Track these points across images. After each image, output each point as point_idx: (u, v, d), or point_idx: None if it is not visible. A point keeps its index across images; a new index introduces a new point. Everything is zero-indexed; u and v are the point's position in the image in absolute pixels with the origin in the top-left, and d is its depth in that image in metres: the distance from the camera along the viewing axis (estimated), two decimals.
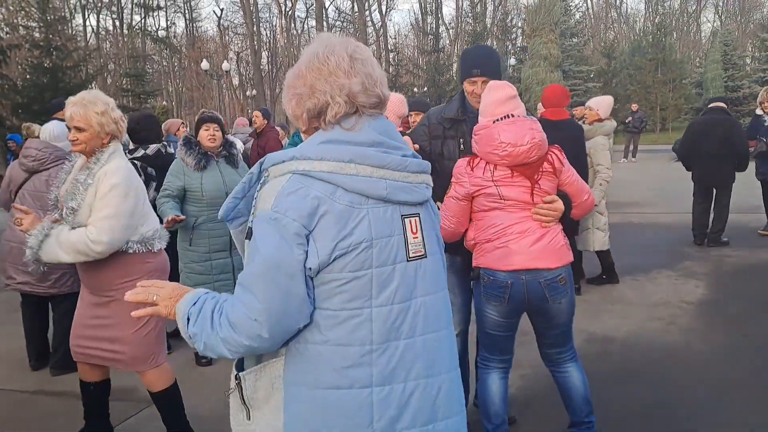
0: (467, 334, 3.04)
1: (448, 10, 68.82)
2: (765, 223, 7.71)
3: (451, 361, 1.48)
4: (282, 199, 1.29)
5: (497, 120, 2.55)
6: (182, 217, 3.81)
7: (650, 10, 49.03)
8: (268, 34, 51.74)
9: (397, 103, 4.10)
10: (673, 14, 47.05)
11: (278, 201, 1.29)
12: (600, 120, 5.73)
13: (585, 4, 51.33)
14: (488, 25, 41.80)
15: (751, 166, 7.25)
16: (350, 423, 1.34)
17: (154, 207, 3.49)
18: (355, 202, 1.31)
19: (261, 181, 1.37)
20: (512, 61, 34.54)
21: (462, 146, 2.83)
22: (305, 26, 51.13)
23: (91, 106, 2.62)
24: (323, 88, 1.35)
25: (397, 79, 35.12)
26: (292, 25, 50.07)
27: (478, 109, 2.71)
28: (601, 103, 5.89)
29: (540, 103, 5.21)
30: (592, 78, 29.08)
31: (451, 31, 48.78)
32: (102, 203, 2.58)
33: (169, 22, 52.12)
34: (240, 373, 1.45)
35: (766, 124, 7.43)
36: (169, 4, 48.80)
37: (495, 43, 42.12)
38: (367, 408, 1.34)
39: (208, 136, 3.99)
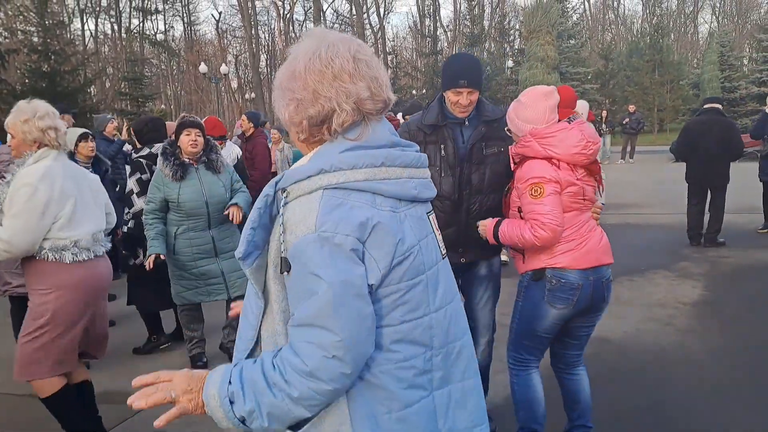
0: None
1: (446, 12, 69.01)
2: (762, 223, 7.73)
3: (476, 366, 1.44)
4: (326, 217, 1.15)
5: (569, 120, 2.58)
6: (162, 256, 3.85)
7: (647, 11, 49.12)
8: (267, 37, 51.84)
9: None
10: (670, 15, 47.12)
11: (322, 220, 1.15)
12: None
13: (582, 6, 51.43)
14: (486, 27, 41.86)
15: (754, 166, 7.25)
16: None
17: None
18: (394, 206, 1.23)
19: (282, 203, 1.21)
20: (510, 63, 34.58)
21: (443, 152, 2.81)
22: (304, 29, 51.23)
23: (19, 114, 2.77)
24: (328, 93, 1.21)
25: (396, 81, 35.17)
26: (291, 27, 50.14)
27: (459, 117, 2.81)
28: (579, 107, 5.93)
29: None
30: (589, 80, 29.12)
31: (449, 33, 48.86)
32: (10, 202, 2.66)
33: (167, 26, 52.31)
34: None
35: None
36: (167, 7, 48.87)
37: (493, 45, 42.19)
38: (432, 414, 1.29)
39: (189, 141, 3.91)
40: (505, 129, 2.72)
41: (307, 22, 48.07)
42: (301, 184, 1.20)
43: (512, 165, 2.73)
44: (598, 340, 4.36)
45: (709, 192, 7.33)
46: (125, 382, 3.71)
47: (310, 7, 44.44)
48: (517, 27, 40.04)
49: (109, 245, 3.07)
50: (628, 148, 19.60)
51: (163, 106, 41.08)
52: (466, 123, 2.85)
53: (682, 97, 29.80)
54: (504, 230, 2.60)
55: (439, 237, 1.38)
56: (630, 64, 32.84)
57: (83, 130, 5.36)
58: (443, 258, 1.36)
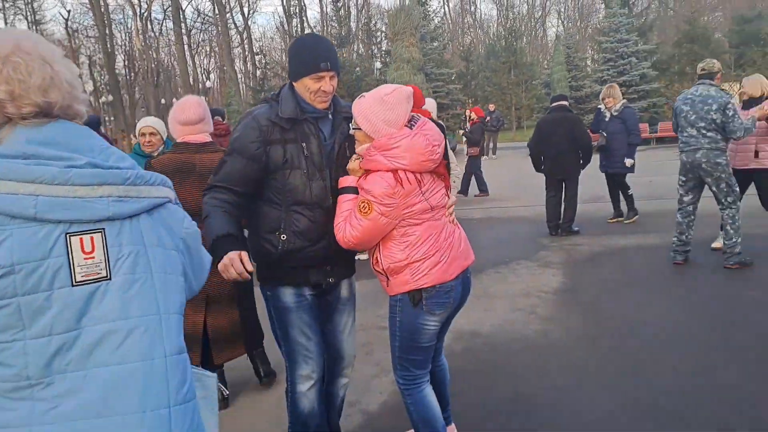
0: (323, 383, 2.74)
1: (313, 13, 68.71)
2: (612, 213, 8.39)
3: (158, 397, 1.27)
4: None
5: (411, 124, 2.39)
6: None
7: (501, 15, 52.16)
8: (123, 37, 48.68)
9: (177, 109, 3.37)
10: (521, 20, 50.31)
11: None
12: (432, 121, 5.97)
13: (443, 10, 53.55)
14: (353, 29, 42.26)
15: (596, 158, 7.86)
16: None
17: None
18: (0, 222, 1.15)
19: None
20: (378, 64, 35.19)
21: (306, 151, 2.43)
22: (163, 28, 48.73)
23: None
24: None
25: (265, 82, 34.44)
26: (149, 27, 47.42)
27: (320, 109, 2.49)
28: (428, 106, 6.10)
29: None
30: (453, 80, 30.33)
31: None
32: None
33: (8, 25, 47.22)
34: None
35: (606, 119, 8.09)
36: (7, 5, 44.26)
37: (361, 47, 42.68)
38: None
39: None
40: (351, 128, 2.47)
41: (167, 21, 45.79)
42: None
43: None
44: (468, 335, 4.45)
45: (564, 184, 7.84)
46: None
47: (169, 6, 42.24)
48: (383, 29, 40.84)
49: None
50: (491, 145, 20.66)
51: None
52: (330, 116, 2.53)
53: (536, 96, 31.90)
54: (341, 203, 2.44)
55: (88, 261, 1.22)
56: (488, 65, 34.67)
57: None
58: (74, 285, 1.21)
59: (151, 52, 44.99)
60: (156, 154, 4.57)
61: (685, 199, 5.81)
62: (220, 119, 7.51)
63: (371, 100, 2.39)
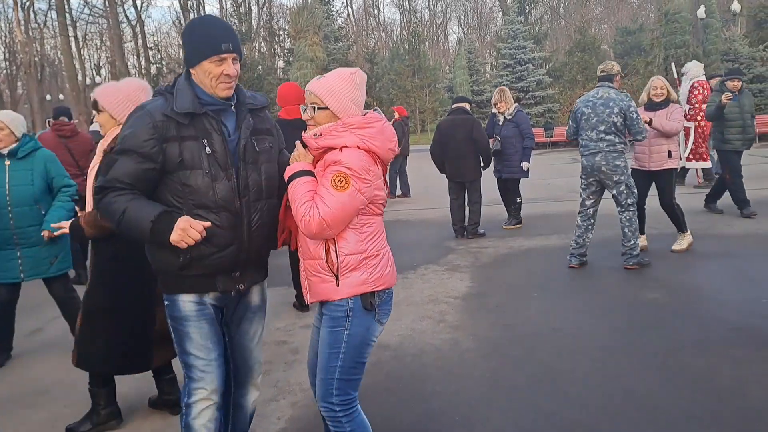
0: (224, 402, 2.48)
1: (211, 9, 66.45)
2: (507, 218, 8.39)
3: None
4: None
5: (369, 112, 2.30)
6: None
7: (404, 19, 52.83)
8: (3, 28, 44.68)
9: (130, 90, 3.01)
10: (424, 24, 51.19)
11: None
12: None
13: (346, 11, 53.41)
14: (254, 26, 41.12)
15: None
16: None
17: None
18: None
19: None
20: (281, 63, 34.44)
21: (208, 148, 2.17)
22: (48, 19, 45.11)
23: None
24: None
25: (160, 78, 32.77)
26: (32, 17, 43.72)
27: (222, 98, 2.21)
28: None
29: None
30: None
31: None
32: None
33: None
34: None
35: (500, 123, 8.11)
36: None
37: (263, 45, 41.62)
38: None
39: None
40: (307, 110, 2.26)
41: (51, 11, 42.42)
42: None
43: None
44: (377, 347, 4.16)
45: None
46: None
47: None
48: (286, 27, 40.07)
49: None
50: None
51: None
52: (233, 108, 2.28)
53: (439, 99, 32.48)
54: (297, 187, 2.18)
55: None
56: (393, 68, 34.87)
57: None
58: None
59: (35, 44, 41.44)
60: (6, 152, 4.02)
61: (587, 202, 5.87)
62: (66, 119, 6.85)
63: (338, 79, 2.23)
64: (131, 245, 2.63)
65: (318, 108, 2.23)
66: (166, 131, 2.15)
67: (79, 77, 42.12)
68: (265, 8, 45.69)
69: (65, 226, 3.09)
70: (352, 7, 55.58)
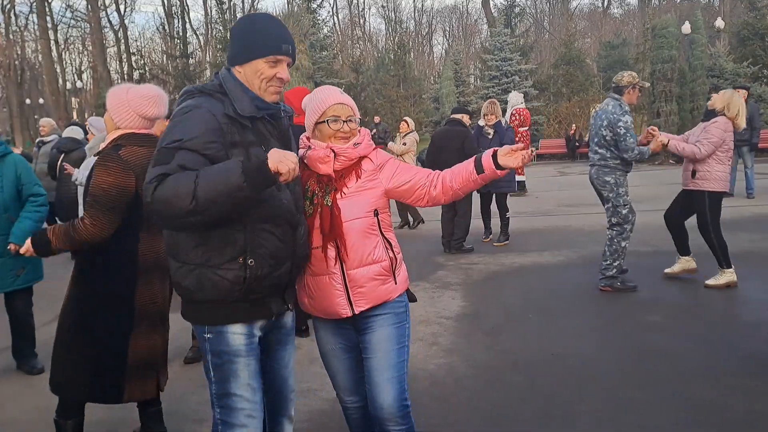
0: None
1: (196, 15, 66.12)
2: (498, 235, 8.08)
3: None
4: None
5: None
6: None
7: (390, 29, 52.85)
8: None
9: (148, 102, 2.82)
10: (409, 35, 51.25)
11: None
12: None
13: (332, 20, 53.33)
14: None
15: None
16: None
17: None
18: None
19: None
20: None
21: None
22: (29, 22, 44.31)
23: None
24: None
25: (142, 84, 32.27)
26: (13, 20, 42.93)
27: (271, 102, 2.02)
28: None
29: None
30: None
31: (200, 36, 46.62)
32: None
33: None
34: None
35: (490, 136, 7.86)
36: None
37: None
38: None
39: None
40: (354, 121, 2.31)
41: (33, 14, 41.67)
42: None
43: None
44: None
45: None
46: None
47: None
48: None
49: None
50: None
51: None
52: (282, 114, 2.11)
53: (425, 110, 32.38)
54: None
55: None
56: (378, 78, 34.73)
57: None
58: None
59: (17, 48, 40.65)
60: None
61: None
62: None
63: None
64: (113, 258, 2.49)
65: (354, 120, 2.29)
66: (231, 135, 1.92)
67: (60, 81, 41.40)
68: None
69: (28, 246, 2.78)
70: (338, 17, 55.54)
